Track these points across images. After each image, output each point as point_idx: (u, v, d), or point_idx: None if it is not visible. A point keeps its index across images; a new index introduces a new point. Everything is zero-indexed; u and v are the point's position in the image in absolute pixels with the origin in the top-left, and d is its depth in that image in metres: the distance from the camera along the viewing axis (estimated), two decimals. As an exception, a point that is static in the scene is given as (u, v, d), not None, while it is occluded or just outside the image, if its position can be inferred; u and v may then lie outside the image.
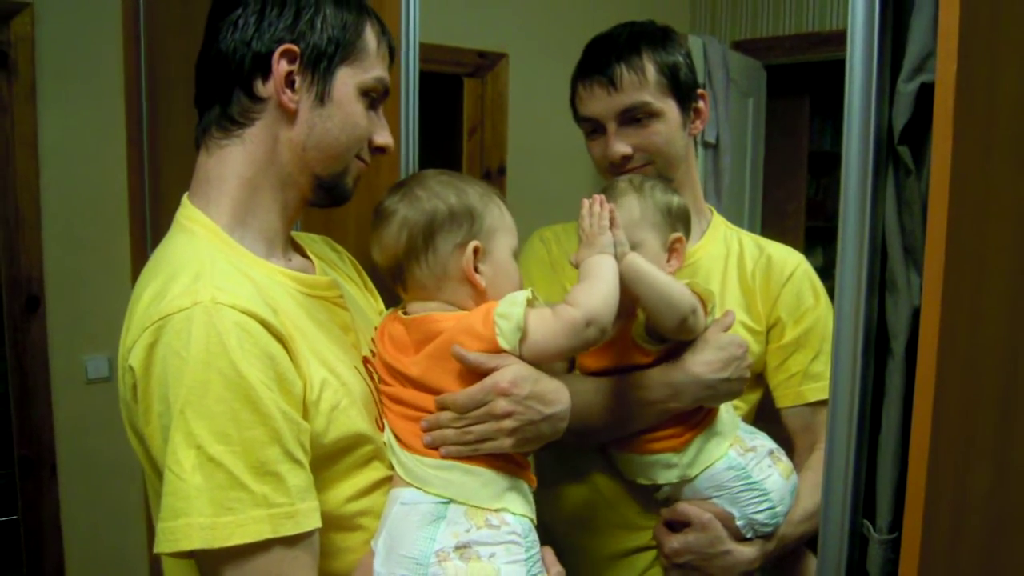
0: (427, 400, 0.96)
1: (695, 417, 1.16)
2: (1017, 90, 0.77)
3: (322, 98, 0.96)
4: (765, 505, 1.16)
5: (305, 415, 0.86)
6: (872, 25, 0.76)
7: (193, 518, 0.77)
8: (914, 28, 0.75)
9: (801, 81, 3.98)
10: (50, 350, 2.28)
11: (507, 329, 0.95)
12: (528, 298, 0.97)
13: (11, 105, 2.16)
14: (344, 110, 0.97)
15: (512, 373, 0.95)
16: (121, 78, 2.28)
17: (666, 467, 1.17)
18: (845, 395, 0.78)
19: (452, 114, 3.26)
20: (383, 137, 1.03)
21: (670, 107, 1.27)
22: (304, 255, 1.07)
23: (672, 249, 1.18)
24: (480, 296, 1.01)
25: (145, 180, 2.22)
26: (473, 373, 0.95)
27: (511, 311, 0.96)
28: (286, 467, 0.81)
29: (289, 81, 0.94)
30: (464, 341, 0.95)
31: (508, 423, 0.94)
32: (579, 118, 1.34)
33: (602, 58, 1.28)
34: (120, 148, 2.30)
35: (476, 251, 1.00)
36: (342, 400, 0.91)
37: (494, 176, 3.07)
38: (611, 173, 1.29)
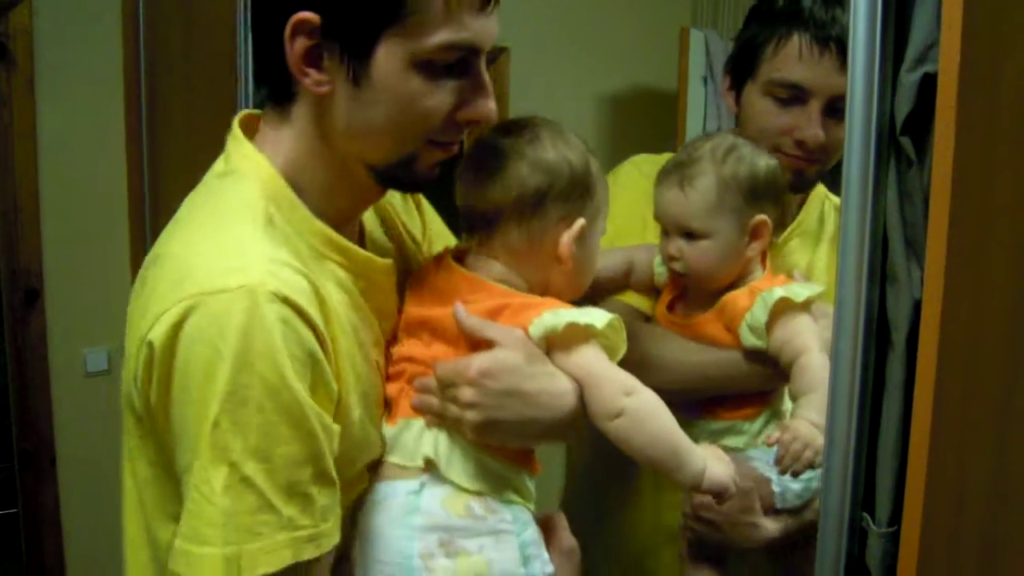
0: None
1: (770, 393, 1.15)
2: (1021, 81, 0.77)
3: (357, 79, 0.75)
4: (804, 475, 1.12)
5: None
6: (874, 15, 0.75)
7: (218, 548, 0.69)
8: (917, 18, 0.74)
9: (802, 76, 3.96)
10: (49, 343, 2.28)
11: (546, 321, 0.84)
12: (600, 326, 0.85)
13: (10, 98, 2.16)
14: (392, 92, 0.75)
15: (490, 361, 0.82)
16: (120, 70, 2.28)
17: (737, 434, 1.14)
18: (845, 387, 0.78)
19: (452, 108, 3.25)
20: (474, 110, 0.79)
21: None
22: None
23: (754, 233, 1.09)
24: (561, 277, 0.89)
25: (144, 172, 2.22)
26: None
27: (563, 315, 0.84)
28: (316, 488, 0.73)
29: (313, 58, 0.75)
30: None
31: (471, 415, 0.82)
32: (770, 79, 1.12)
33: (829, 14, 1.07)
34: (119, 140, 2.30)
35: (582, 230, 0.87)
36: (358, 411, 0.82)
37: (494, 170, 3.05)
38: (784, 151, 1.14)
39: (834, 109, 1.10)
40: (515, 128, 0.89)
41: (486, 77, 0.80)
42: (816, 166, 1.18)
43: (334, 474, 0.76)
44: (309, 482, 0.73)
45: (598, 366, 0.86)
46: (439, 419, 0.85)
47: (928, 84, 0.73)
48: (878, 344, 0.79)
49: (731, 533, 1.13)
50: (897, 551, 0.76)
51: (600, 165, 0.92)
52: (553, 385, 0.85)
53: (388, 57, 0.74)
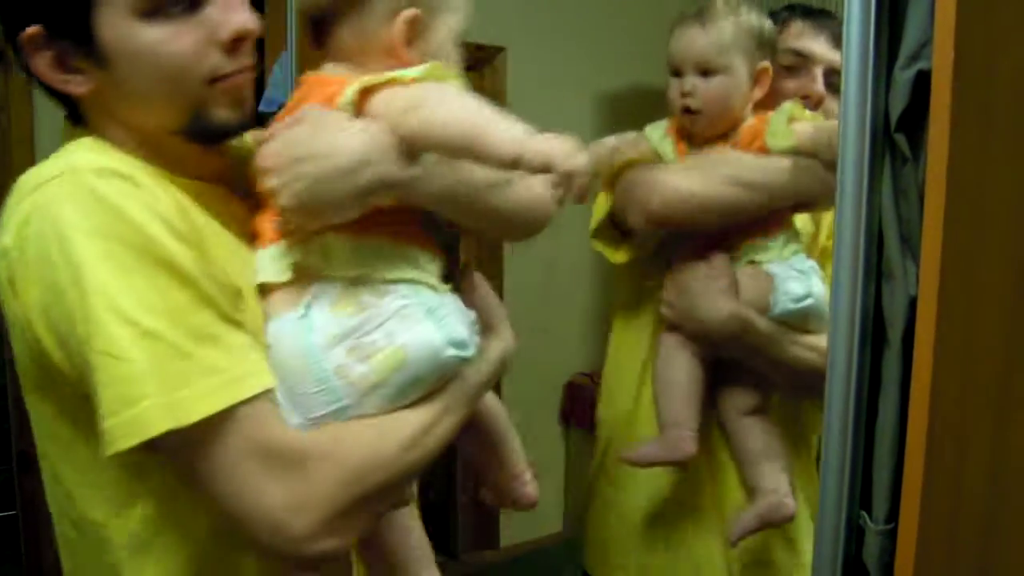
0: None
1: (783, 215, 1.28)
2: (1015, 78, 0.77)
3: (100, 61, 0.74)
4: (803, 286, 1.22)
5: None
6: (869, 12, 0.75)
7: (150, 400, 0.66)
8: (911, 15, 0.75)
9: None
10: (48, 346, 2.27)
11: (348, 94, 0.78)
12: (410, 76, 0.77)
13: (7, 102, 2.17)
14: (134, 55, 0.73)
15: (275, 142, 0.77)
16: (117, 73, 2.27)
17: (761, 251, 1.26)
18: (841, 384, 0.78)
19: (450, 108, 3.25)
20: (226, 26, 0.75)
21: None
22: None
23: (757, 79, 1.24)
24: None
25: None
26: None
27: (364, 79, 0.78)
28: (223, 328, 0.71)
29: (62, 65, 0.75)
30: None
31: (283, 198, 0.75)
32: (789, 48, 1.37)
33: (820, 13, 1.37)
34: (117, 143, 2.30)
35: (413, 22, 0.84)
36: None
37: (492, 170, 3.06)
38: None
39: (830, 83, 1.34)
40: None
41: None
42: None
43: (240, 319, 0.73)
44: (213, 323, 0.71)
45: (400, 94, 0.79)
46: (292, 230, 0.80)
47: (922, 81, 0.73)
48: (874, 341, 0.79)
49: (696, 301, 1.21)
50: (894, 549, 0.76)
51: None
52: (349, 126, 0.78)
53: (110, 24, 0.72)
